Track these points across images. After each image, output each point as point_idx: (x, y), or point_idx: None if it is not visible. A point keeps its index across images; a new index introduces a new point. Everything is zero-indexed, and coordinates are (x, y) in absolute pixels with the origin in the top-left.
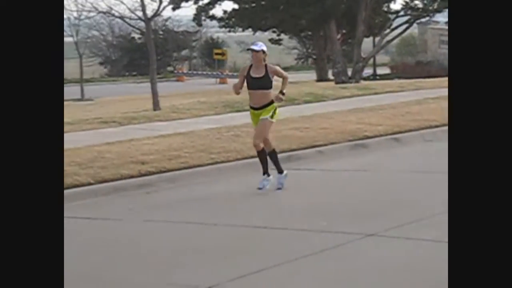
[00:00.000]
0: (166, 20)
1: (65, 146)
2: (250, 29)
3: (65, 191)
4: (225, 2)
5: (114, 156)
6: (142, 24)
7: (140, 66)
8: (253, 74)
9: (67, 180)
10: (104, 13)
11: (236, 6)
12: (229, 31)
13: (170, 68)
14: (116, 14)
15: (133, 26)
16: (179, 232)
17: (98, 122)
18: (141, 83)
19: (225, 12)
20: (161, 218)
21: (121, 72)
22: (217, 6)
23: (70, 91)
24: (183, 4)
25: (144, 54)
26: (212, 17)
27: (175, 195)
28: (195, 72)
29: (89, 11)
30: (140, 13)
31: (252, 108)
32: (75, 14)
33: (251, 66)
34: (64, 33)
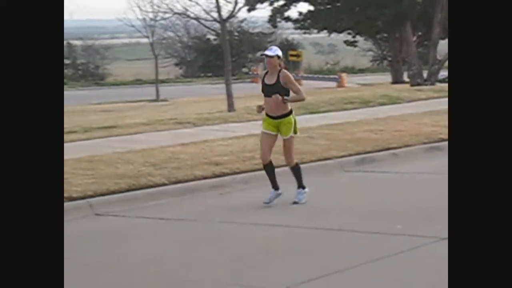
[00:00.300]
0: (242, 21)
1: (140, 146)
2: (325, 31)
3: (139, 192)
4: (300, 3)
5: (188, 157)
6: (218, 25)
7: (215, 67)
8: (267, 80)
9: (141, 181)
10: (180, 14)
11: (311, 8)
12: (304, 33)
13: (245, 70)
14: (192, 15)
15: (209, 28)
16: (251, 233)
17: (173, 123)
18: (216, 84)
19: (300, 13)
20: (234, 219)
21: (196, 73)
22: (292, 7)
23: (145, 91)
24: (258, 5)
25: (219, 55)
26: (287, 19)
27: (248, 197)
28: None
29: (165, 12)
30: (215, 15)
31: (268, 115)
32: (150, 15)
33: (267, 72)
34: (140, 34)
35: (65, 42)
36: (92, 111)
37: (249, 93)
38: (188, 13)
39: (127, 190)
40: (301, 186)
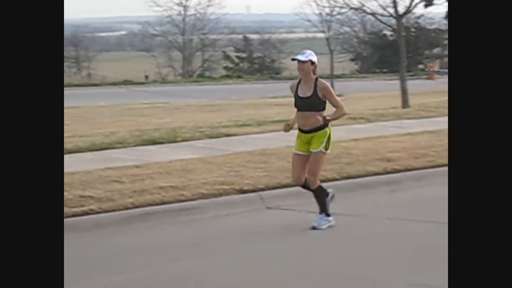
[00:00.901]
0: (419, 17)
1: None
2: None
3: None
4: None
5: (360, 152)
6: (394, 21)
7: (390, 63)
8: (300, 92)
9: None
10: (356, 9)
11: None
12: None
13: (421, 66)
14: (368, 10)
15: (385, 23)
16: (421, 231)
17: (346, 118)
18: (391, 80)
19: None
20: (404, 216)
21: (372, 69)
22: None
23: None
24: (435, 1)
25: (395, 51)
26: None
27: (420, 194)
28: (446, 70)
29: (341, 7)
30: (391, 10)
31: (300, 130)
32: (327, 10)
33: (300, 81)
34: (316, 28)
35: (241, 36)
36: (266, 105)
37: (424, 90)
38: (365, 8)
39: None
40: (325, 212)
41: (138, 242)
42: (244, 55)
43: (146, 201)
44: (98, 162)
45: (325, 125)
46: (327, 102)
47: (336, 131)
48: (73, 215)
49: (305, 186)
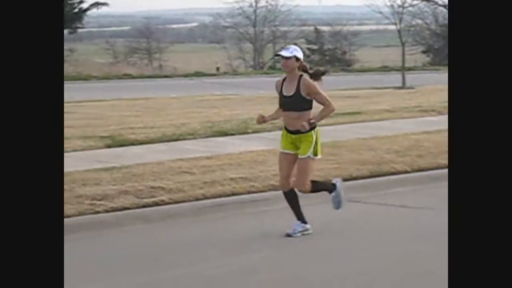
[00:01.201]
0: None
1: (384, 133)
2: None
3: (381, 178)
4: None
5: (431, 145)
6: None
7: None
8: (285, 91)
9: (383, 168)
10: (428, 1)
11: None
12: None
13: None
14: (440, 2)
15: None
16: None
17: (418, 110)
18: None
19: None
20: None
21: (444, 61)
22: None
23: (391, 79)
24: None
25: None
26: None
27: None
28: None
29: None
30: None
31: (286, 129)
32: (398, 2)
33: (285, 78)
34: (388, 20)
35: (312, 28)
36: (338, 97)
37: None
38: (436, 0)
39: (369, 177)
40: (301, 219)
41: (209, 233)
42: (315, 47)
43: (217, 192)
44: (169, 153)
45: (311, 128)
46: (314, 101)
47: (407, 123)
48: (144, 206)
49: (289, 194)
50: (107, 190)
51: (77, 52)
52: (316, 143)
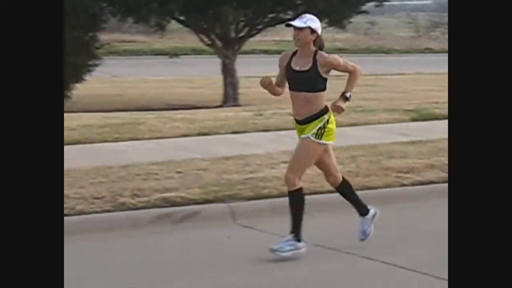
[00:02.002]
0: None
1: None
2: None
3: None
4: None
5: None
6: None
7: None
8: (295, 65)
9: None
10: None
11: None
12: None
13: None
14: None
15: None
16: None
17: None
18: None
19: None
20: None
21: None
22: None
23: None
24: None
25: None
26: None
27: None
28: None
29: None
30: None
31: (295, 120)
32: None
33: (295, 52)
34: None
35: None
36: None
37: None
38: None
39: None
40: (363, 211)
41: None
42: None
43: None
44: None
45: (321, 111)
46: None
47: None
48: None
49: (295, 199)
50: (413, 163)
51: (378, 25)
52: (324, 126)
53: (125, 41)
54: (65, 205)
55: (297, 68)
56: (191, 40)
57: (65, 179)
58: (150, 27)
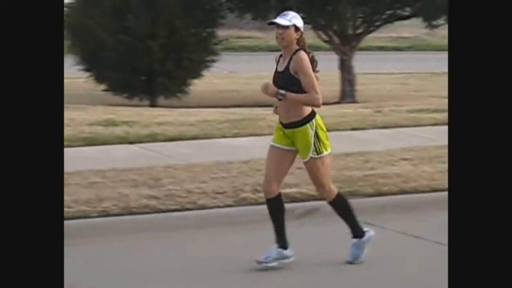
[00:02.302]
0: None
1: None
2: None
3: None
4: None
5: None
6: None
7: None
8: (279, 66)
9: None
10: None
11: None
12: None
13: None
14: None
15: None
16: None
17: None
18: None
19: None
20: None
21: None
22: None
23: None
24: None
25: None
26: None
27: None
28: None
29: None
30: None
31: (280, 123)
32: None
33: (281, 55)
34: None
35: None
36: None
37: None
38: None
39: None
40: (358, 234)
41: None
42: None
43: None
44: None
45: (305, 118)
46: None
47: None
48: None
49: (272, 202)
50: None
51: None
52: (317, 137)
53: (241, 37)
54: (187, 200)
55: (279, 70)
56: (307, 36)
57: (187, 173)
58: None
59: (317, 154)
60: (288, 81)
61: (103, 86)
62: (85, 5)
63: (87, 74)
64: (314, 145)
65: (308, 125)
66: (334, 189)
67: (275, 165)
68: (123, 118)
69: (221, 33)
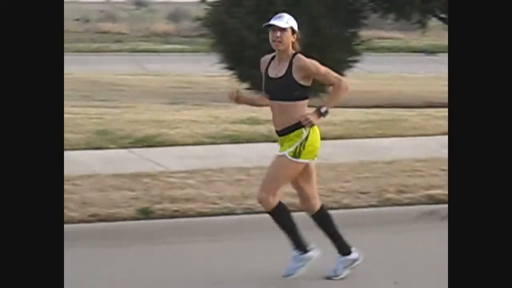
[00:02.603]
0: None
1: None
2: None
3: None
4: None
5: None
6: None
7: None
8: (271, 71)
9: None
10: None
11: None
12: None
13: None
14: None
15: None
16: None
17: None
18: None
19: None
20: None
21: None
22: None
23: None
24: None
25: None
26: None
27: None
28: None
29: None
30: None
31: (275, 131)
32: None
33: (274, 57)
34: None
35: None
36: None
37: None
38: None
39: None
40: (344, 251)
41: None
42: None
43: None
44: None
45: (299, 123)
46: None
47: None
48: None
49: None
50: None
51: None
52: (305, 142)
53: (381, 37)
54: (331, 199)
55: (273, 75)
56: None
57: (331, 173)
58: (412, 24)
59: (292, 156)
60: (289, 87)
61: (245, 85)
62: (230, 4)
63: (230, 72)
64: (296, 148)
65: (303, 129)
66: (274, 200)
67: (302, 181)
68: (267, 117)
69: (363, 33)
